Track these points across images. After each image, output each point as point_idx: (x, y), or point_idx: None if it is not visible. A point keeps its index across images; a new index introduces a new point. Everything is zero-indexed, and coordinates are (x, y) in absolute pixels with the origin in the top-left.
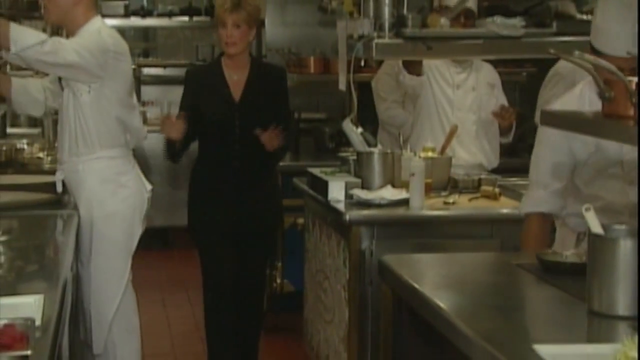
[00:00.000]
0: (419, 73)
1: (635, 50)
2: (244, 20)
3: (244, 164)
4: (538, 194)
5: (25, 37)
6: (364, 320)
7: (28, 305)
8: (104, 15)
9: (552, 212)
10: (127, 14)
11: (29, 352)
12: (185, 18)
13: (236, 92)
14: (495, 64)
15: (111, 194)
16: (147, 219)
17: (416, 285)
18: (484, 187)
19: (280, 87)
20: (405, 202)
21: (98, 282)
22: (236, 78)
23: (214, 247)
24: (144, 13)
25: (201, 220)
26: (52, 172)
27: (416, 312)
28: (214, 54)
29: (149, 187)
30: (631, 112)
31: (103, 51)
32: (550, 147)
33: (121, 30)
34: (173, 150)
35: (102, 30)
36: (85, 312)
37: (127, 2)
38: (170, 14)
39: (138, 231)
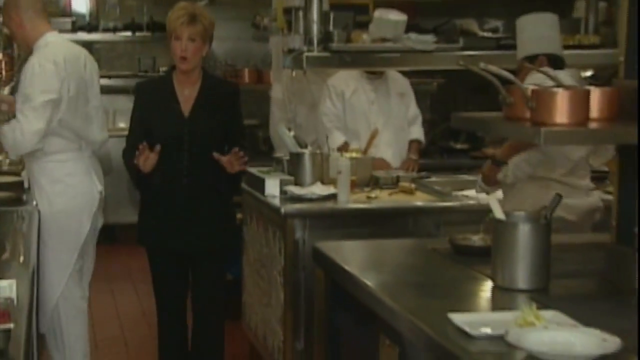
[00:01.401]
0: None
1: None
2: (199, 34)
3: (194, 180)
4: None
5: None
6: (298, 302)
7: (3, 289)
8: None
9: None
10: (74, 29)
11: (11, 326)
12: (129, 33)
13: (186, 107)
14: (408, 74)
15: (60, 193)
16: (102, 215)
17: (346, 267)
18: (402, 183)
19: (233, 102)
20: (333, 197)
21: (43, 271)
22: (187, 93)
23: (164, 266)
24: (90, 28)
25: (152, 239)
26: (11, 173)
27: (347, 291)
28: (155, 66)
29: (99, 187)
30: (527, 114)
31: (57, 80)
32: None
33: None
34: (144, 180)
35: (52, 50)
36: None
37: (74, 19)
38: (114, 29)
39: (86, 228)
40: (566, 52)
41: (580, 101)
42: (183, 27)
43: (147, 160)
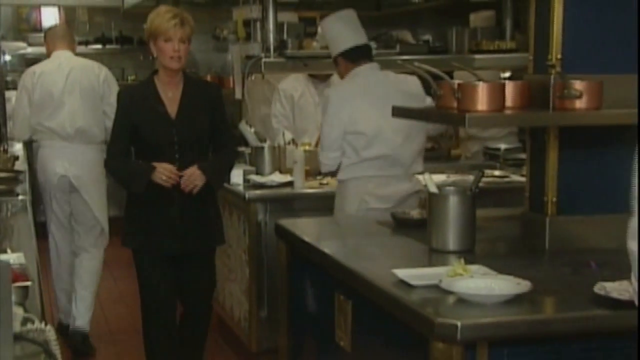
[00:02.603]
0: None
1: None
2: (188, 36)
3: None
4: None
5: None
6: (261, 275)
7: (16, 258)
8: (30, 44)
9: None
10: None
11: (29, 283)
12: (99, 46)
13: (172, 108)
14: None
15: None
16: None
17: (305, 238)
18: None
19: (217, 102)
20: (290, 184)
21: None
22: (171, 95)
23: (152, 268)
24: None
25: (139, 242)
26: (1, 170)
27: (306, 259)
28: (124, 75)
29: (59, 172)
30: (455, 104)
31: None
32: None
33: (42, 57)
34: (142, 183)
35: (40, 64)
36: None
37: None
38: (86, 43)
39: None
40: (487, 56)
41: (497, 92)
42: (176, 28)
43: (170, 178)
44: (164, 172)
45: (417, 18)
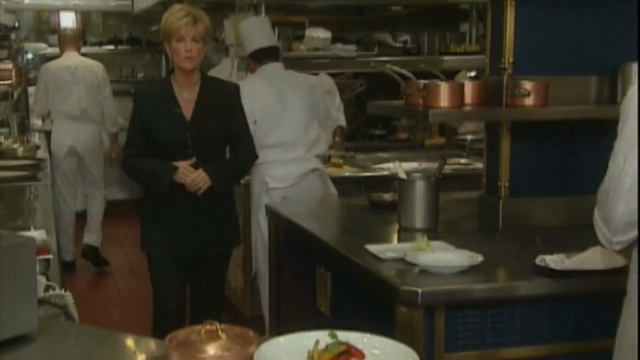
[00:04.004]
0: None
1: None
2: (202, 35)
3: None
4: None
5: None
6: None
7: (38, 235)
8: (50, 45)
9: None
10: None
11: (50, 257)
12: (112, 47)
13: (187, 110)
14: (339, 77)
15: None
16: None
17: (292, 219)
18: (333, 160)
19: (234, 103)
20: None
21: None
22: (187, 96)
23: (166, 270)
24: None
25: (155, 243)
26: (25, 157)
27: (292, 236)
28: (134, 73)
29: (68, 143)
30: (420, 101)
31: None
32: None
33: (59, 56)
34: (164, 183)
35: (53, 62)
36: None
37: None
38: (100, 44)
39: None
40: (455, 57)
41: (457, 91)
42: (188, 27)
43: (195, 179)
44: (187, 172)
45: (397, 22)
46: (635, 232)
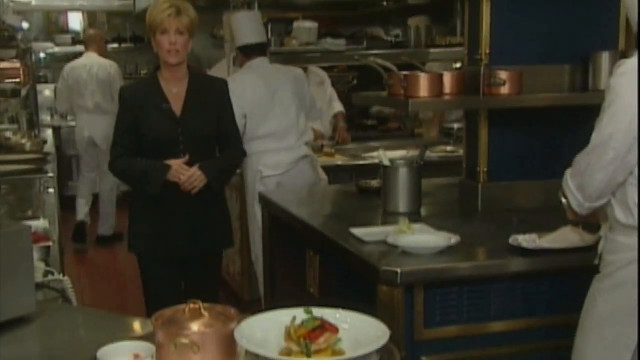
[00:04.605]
0: None
1: None
2: (186, 27)
3: None
4: None
5: None
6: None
7: (41, 223)
8: (57, 44)
9: None
10: (74, 42)
11: (50, 243)
12: (115, 45)
13: (176, 105)
14: (333, 70)
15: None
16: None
17: (283, 205)
18: (325, 149)
19: (223, 98)
20: None
21: None
22: (175, 91)
23: (156, 269)
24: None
25: (144, 242)
26: (32, 151)
27: (284, 222)
28: (137, 69)
29: (86, 134)
30: (402, 91)
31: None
32: None
33: (69, 54)
34: (157, 183)
35: (72, 62)
36: None
37: (73, 35)
38: (105, 42)
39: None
40: (440, 49)
41: (436, 81)
42: (170, 19)
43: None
44: (181, 170)
45: (388, 16)
46: (605, 200)
